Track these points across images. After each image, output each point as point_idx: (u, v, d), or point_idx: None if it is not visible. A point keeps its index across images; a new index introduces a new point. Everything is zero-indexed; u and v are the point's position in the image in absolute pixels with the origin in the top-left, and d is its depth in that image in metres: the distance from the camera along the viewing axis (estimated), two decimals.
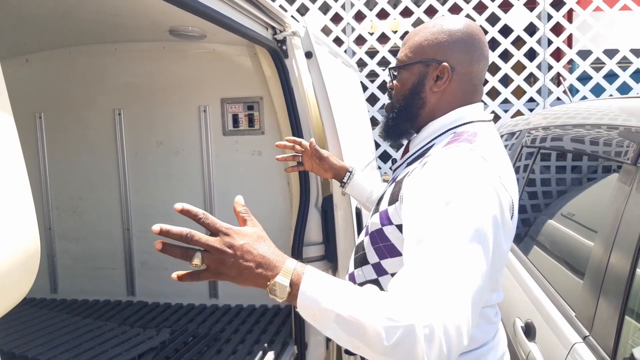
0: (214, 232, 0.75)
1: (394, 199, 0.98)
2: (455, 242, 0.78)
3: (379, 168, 4.48)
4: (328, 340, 2.01)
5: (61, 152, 2.52)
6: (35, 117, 2.49)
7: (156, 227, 0.71)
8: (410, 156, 1.09)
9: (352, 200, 1.85)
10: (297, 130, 2.01)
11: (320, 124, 1.84)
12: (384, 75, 4.58)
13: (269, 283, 0.74)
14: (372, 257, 1.04)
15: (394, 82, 1.12)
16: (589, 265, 1.39)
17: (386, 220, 0.99)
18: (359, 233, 1.89)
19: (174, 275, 0.74)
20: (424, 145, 1.06)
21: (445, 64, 1.01)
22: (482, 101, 1.12)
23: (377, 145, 4.53)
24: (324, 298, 0.73)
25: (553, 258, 1.78)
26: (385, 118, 1.16)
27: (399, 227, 0.95)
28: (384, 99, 4.55)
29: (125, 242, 2.50)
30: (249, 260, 0.74)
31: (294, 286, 0.74)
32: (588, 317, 1.32)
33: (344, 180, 1.52)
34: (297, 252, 1.97)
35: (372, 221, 1.05)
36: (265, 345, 1.90)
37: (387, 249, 1.00)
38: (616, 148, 1.44)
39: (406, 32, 4.68)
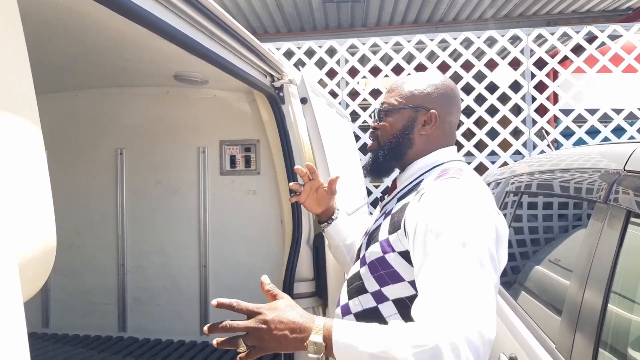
0: (247, 314, 0.88)
1: (395, 228, 1.06)
2: (463, 264, 0.88)
3: (371, 214, 4.56)
4: None
5: (63, 188, 2.60)
6: None
7: (214, 302, 0.87)
8: (400, 191, 1.20)
9: None
10: (291, 171, 2.11)
11: (314, 166, 1.94)
12: None
13: (305, 344, 0.86)
14: (372, 285, 1.09)
15: (382, 122, 1.23)
16: (567, 298, 1.46)
17: (388, 247, 1.06)
18: None
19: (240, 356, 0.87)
20: (412, 181, 1.18)
21: (434, 111, 1.17)
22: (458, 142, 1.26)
23: (369, 193, 4.63)
24: (356, 343, 0.83)
25: (535, 295, 1.84)
26: (372, 156, 1.27)
27: (401, 254, 1.04)
28: None
29: (120, 278, 2.53)
30: (282, 329, 0.86)
31: (328, 340, 0.85)
32: (567, 347, 1.37)
33: (332, 217, 1.54)
34: (288, 289, 2.00)
35: (371, 251, 1.11)
36: None
37: (389, 276, 1.06)
38: (590, 188, 1.54)
39: None
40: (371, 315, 1.07)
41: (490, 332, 0.82)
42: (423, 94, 1.19)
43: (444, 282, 0.87)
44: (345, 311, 1.15)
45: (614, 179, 1.38)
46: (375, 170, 1.26)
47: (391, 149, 1.21)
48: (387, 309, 1.05)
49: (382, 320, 1.05)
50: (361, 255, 1.17)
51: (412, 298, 1.00)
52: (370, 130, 1.28)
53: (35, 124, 0.61)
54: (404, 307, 1.03)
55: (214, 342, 0.88)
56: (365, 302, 1.10)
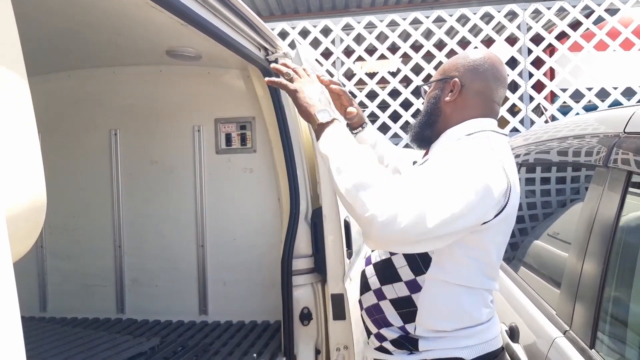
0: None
1: None
2: (438, 182, 0.96)
3: None
4: (317, 352, 2.02)
5: (57, 171, 2.56)
6: None
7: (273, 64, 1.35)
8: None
9: (340, 212, 1.90)
10: (288, 147, 2.08)
11: (311, 142, 1.92)
12: (373, 106, 4.74)
13: (318, 109, 1.16)
14: None
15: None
16: (567, 262, 1.46)
17: None
18: (347, 245, 1.93)
19: (266, 79, 1.33)
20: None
21: (455, 79, 1.22)
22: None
23: None
24: (346, 140, 1.09)
25: (535, 270, 1.84)
26: (414, 124, 1.37)
27: None
28: None
29: (117, 259, 2.51)
30: (317, 89, 1.23)
31: (333, 121, 1.14)
32: (568, 313, 1.37)
33: (354, 132, 1.60)
34: (286, 265, 1.99)
35: None
36: (254, 355, 1.91)
37: None
38: (589, 153, 1.53)
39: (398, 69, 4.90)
40: (386, 265, 1.20)
41: (402, 224, 0.90)
42: (451, 65, 1.27)
43: (412, 183, 0.97)
44: (368, 262, 1.30)
45: (613, 142, 1.36)
46: (414, 136, 1.35)
47: (424, 117, 1.30)
48: (399, 261, 1.17)
49: (393, 269, 1.18)
50: None
51: (421, 253, 1.10)
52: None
53: (27, 100, 0.59)
54: (413, 260, 1.14)
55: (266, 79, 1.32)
56: (383, 254, 1.24)
